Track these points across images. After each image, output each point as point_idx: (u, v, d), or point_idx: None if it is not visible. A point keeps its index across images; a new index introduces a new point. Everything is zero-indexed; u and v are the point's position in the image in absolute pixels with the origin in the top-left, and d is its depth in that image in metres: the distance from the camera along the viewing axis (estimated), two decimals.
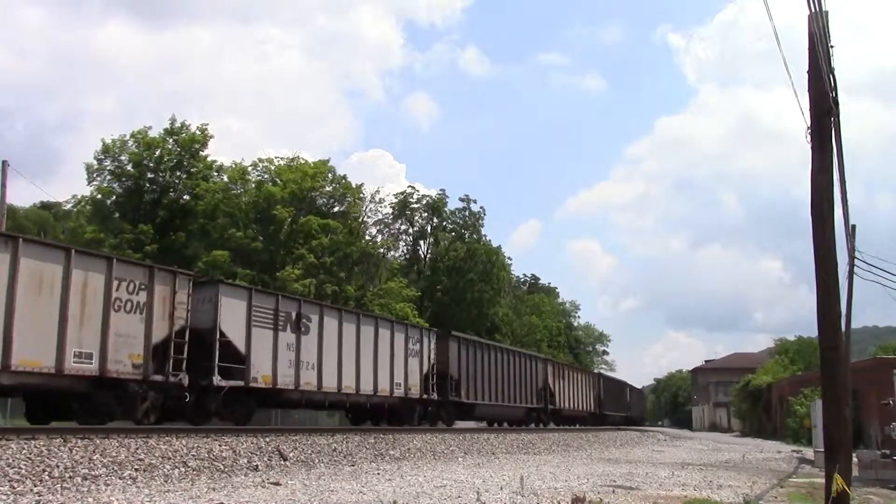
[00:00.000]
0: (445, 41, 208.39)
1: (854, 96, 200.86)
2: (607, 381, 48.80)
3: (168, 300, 15.10)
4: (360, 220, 47.51)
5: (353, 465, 13.60)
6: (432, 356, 24.61)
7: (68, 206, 45.41)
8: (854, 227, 19.83)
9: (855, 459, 15.05)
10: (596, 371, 51.56)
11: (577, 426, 36.17)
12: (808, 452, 24.88)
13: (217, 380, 16.09)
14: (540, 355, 37.16)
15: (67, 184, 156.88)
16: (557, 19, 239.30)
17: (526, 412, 32.12)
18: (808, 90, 8.97)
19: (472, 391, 26.94)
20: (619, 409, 50.34)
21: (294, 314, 18.36)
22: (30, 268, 12.73)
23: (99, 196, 41.87)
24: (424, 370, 23.99)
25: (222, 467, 11.35)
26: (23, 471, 8.99)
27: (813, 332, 41.96)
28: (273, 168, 43.75)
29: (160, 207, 41.52)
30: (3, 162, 26.46)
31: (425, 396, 23.91)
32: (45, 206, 55.39)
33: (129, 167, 41.71)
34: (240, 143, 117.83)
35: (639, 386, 76.60)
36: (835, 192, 9.23)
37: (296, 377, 18.19)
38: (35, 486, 8.59)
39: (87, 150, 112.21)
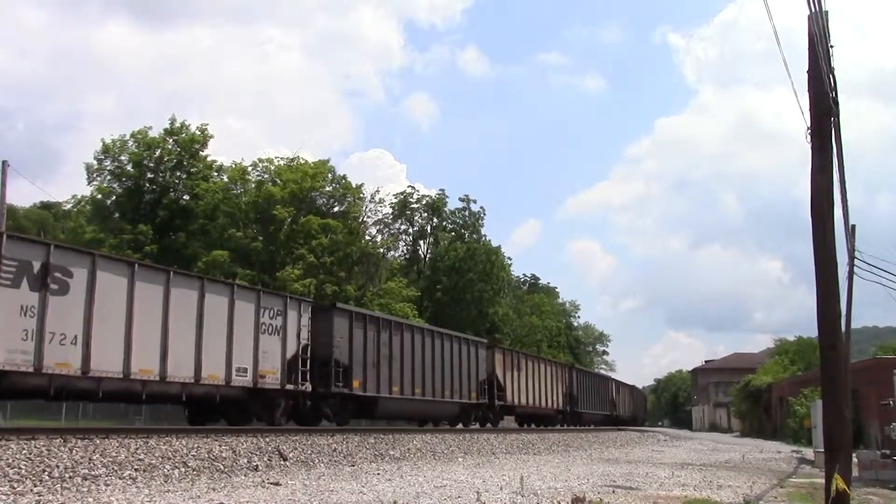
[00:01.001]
0: (445, 41, 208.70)
1: (854, 96, 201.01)
2: (583, 375, 42.35)
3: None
4: (360, 220, 47.52)
5: (353, 465, 13.61)
6: (304, 335, 18.80)
7: (68, 206, 45.51)
8: (854, 227, 19.83)
9: (855, 459, 15.04)
10: (567, 363, 43.29)
11: (543, 427, 32.47)
12: (808, 452, 24.88)
13: None
14: (482, 340, 30.22)
15: (67, 184, 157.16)
16: (557, 19, 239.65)
17: (461, 409, 26.15)
18: (808, 90, 8.97)
19: (371, 381, 20.66)
20: (599, 406, 44.17)
21: (38, 265, 12.94)
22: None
23: (99, 196, 41.94)
24: (290, 352, 18.21)
25: (222, 467, 11.35)
26: (23, 471, 8.99)
27: (813, 332, 42.03)
28: (273, 168, 43.79)
29: (160, 207, 41.56)
30: (3, 162, 26.46)
31: (290, 387, 18.10)
32: (45, 206, 55.43)
33: (129, 167, 41.77)
34: (240, 144, 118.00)
35: (639, 385, 76.51)
36: (835, 192, 9.24)
37: (37, 355, 12.69)
38: (35, 486, 8.59)
39: (87, 150, 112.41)
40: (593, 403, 42.49)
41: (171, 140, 42.40)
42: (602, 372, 60.28)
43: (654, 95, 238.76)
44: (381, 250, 47.97)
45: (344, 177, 45.94)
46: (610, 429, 39.04)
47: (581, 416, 39.06)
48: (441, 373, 24.54)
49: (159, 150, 42.12)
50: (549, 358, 41.53)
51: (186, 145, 42.39)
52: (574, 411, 38.02)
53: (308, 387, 18.74)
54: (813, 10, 8.57)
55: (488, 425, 28.01)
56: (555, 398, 35.13)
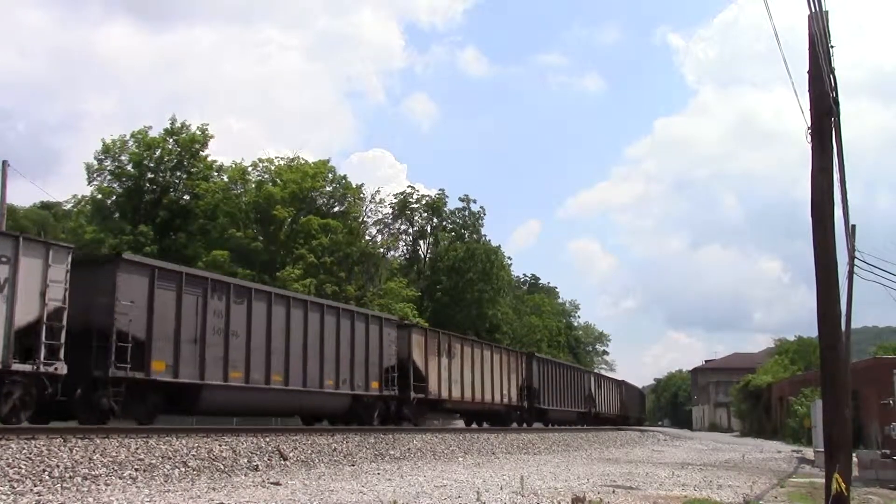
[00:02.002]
0: (445, 42, 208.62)
1: (853, 96, 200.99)
2: (548, 366, 35.27)
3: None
4: (360, 220, 47.51)
5: (353, 465, 13.61)
6: (55, 293, 13.06)
7: (68, 206, 45.50)
8: (854, 227, 19.83)
9: (855, 459, 15.05)
10: (526, 351, 36.38)
11: (496, 426, 27.59)
12: (808, 452, 24.90)
13: None
14: (392, 317, 24.65)
15: (67, 184, 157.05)
16: (556, 20, 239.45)
17: (353, 403, 20.44)
18: (809, 90, 8.98)
19: (189, 364, 15.42)
20: (571, 402, 37.89)
21: None
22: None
23: (99, 196, 41.92)
24: (23, 320, 12.55)
25: (222, 467, 11.35)
26: (23, 471, 8.99)
27: (813, 332, 41.94)
28: (273, 168, 43.77)
29: (160, 207, 41.55)
30: (3, 162, 26.47)
31: (23, 367, 12.53)
32: (45, 206, 55.37)
33: (129, 167, 41.75)
34: (240, 144, 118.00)
35: (639, 385, 76.28)
36: (835, 192, 9.24)
37: None
38: (35, 486, 8.60)
39: (88, 151, 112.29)
40: (563, 399, 36.46)
41: (171, 140, 42.38)
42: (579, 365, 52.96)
43: (653, 96, 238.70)
44: (381, 250, 47.97)
45: (344, 177, 45.94)
46: (610, 429, 39.04)
47: (546, 414, 33.84)
48: (320, 356, 18.84)
49: (159, 150, 42.08)
50: (500, 344, 35.82)
51: (186, 145, 42.37)
52: (534, 407, 32.39)
53: (59, 368, 12.93)
54: (813, 10, 8.57)
55: (404, 424, 22.17)
56: (506, 392, 29.45)
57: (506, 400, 29.61)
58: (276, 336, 17.63)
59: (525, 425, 31.06)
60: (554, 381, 35.31)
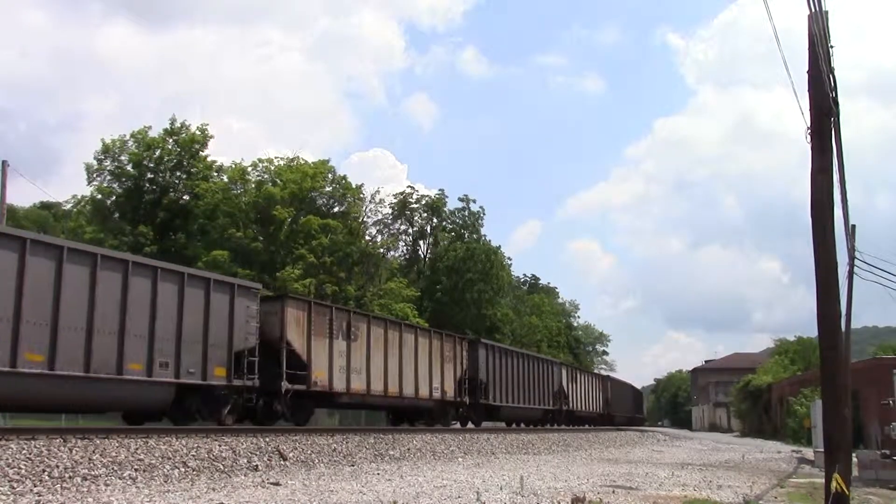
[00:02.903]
0: (446, 43, 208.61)
1: (853, 96, 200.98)
2: (498, 355, 29.18)
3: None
4: (359, 220, 47.52)
5: (353, 465, 13.61)
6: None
7: (68, 207, 45.49)
8: (854, 227, 19.84)
9: (855, 459, 15.05)
10: (468, 337, 29.98)
11: (418, 425, 23.52)
12: (808, 452, 24.90)
13: None
14: (255, 285, 18.17)
15: (67, 184, 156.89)
16: (556, 21, 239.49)
17: (178, 393, 15.38)
18: (808, 91, 8.98)
19: None
20: (532, 398, 32.14)
21: None
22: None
23: (99, 196, 41.90)
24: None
25: (222, 467, 11.35)
26: (23, 471, 8.99)
27: (812, 332, 41.92)
28: (273, 168, 43.77)
29: (160, 208, 41.53)
30: (3, 162, 26.47)
31: None
32: (45, 206, 55.38)
33: (128, 167, 41.74)
34: (240, 144, 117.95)
35: (639, 385, 76.09)
36: (835, 193, 9.24)
37: None
38: (35, 486, 8.59)
39: (88, 151, 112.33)
40: (521, 394, 30.71)
41: (171, 140, 42.38)
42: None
43: (653, 96, 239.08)
44: (381, 250, 47.98)
45: (344, 177, 45.94)
46: (610, 429, 39.03)
47: (498, 412, 28.77)
48: (120, 331, 14.01)
49: (159, 151, 42.07)
50: (427, 327, 28.52)
51: (186, 145, 42.36)
52: (480, 403, 27.04)
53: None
54: (813, 10, 8.57)
55: (278, 422, 18.25)
56: (438, 385, 24.06)
57: (437, 394, 23.94)
58: (37, 300, 12.71)
59: (471, 424, 26.84)
60: (508, 372, 29.63)
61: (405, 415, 24.75)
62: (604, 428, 38.74)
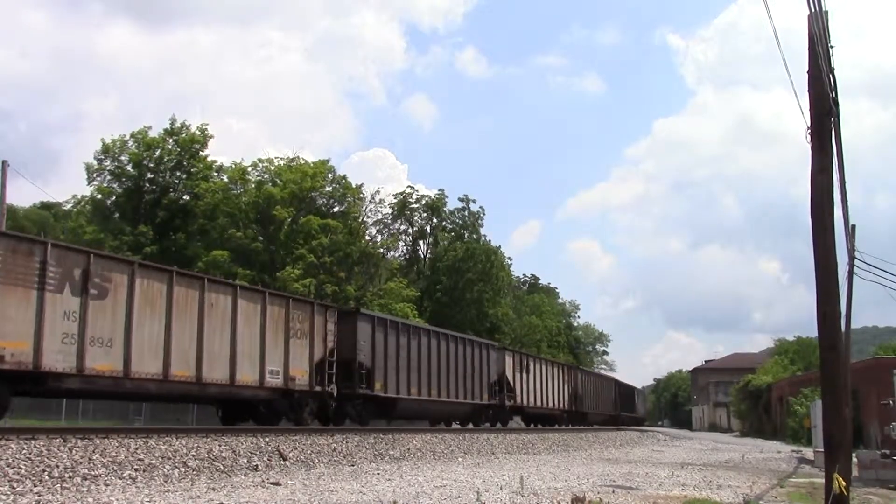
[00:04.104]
0: (446, 44, 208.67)
1: (853, 96, 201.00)
2: (389, 331, 22.24)
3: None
4: (359, 220, 47.54)
5: (353, 465, 13.61)
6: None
7: (68, 207, 45.50)
8: (854, 227, 19.84)
9: (855, 459, 15.07)
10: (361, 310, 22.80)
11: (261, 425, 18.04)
12: (808, 452, 24.90)
13: None
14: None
15: (67, 184, 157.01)
16: (556, 21, 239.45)
17: None
18: (808, 90, 8.98)
19: None
20: (460, 390, 26.07)
21: None
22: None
23: (99, 196, 41.95)
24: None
25: (222, 467, 11.35)
26: (23, 471, 8.99)
27: (813, 332, 41.84)
28: (273, 168, 43.79)
29: (160, 208, 41.56)
30: (3, 162, 26.50)
31: None
32: (45, 206, 55.37)
33: (129, 167, 41.78)
34: (240, 144, 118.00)
35: (639, 385, 75.88)
36: (835, 192, 9.24)
37: None
38: (35, 486, 8.59)
39: (88, 151, 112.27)
40: (433, 385, 24.30)
41: (171, 140, 42.41)
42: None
43: (653, 96, 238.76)
44: (381, 250, 47.98)
45: (344, 177, 45.97)
46: (610, 429, 39.03)
47: (392, 406, 22.46)
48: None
49: (159, 151, 42.11)
50: (261, 289, 19.48)
51: (186, 145, 42.40)
52: (363, 394, 20.67)
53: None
54: (813, 10, 8.57)
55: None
56: (276, 367, 17.69)
57: (275, 381, 17.56)
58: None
59: (349, 422, 20.49)
60: (411, 355, 23.05)
61: (230, 409, 18.69)
62: (604, 428, 38.74)
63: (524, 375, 32.40)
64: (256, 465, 11.95)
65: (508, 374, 30.64)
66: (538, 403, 33.83)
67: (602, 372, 58.73)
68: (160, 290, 15.13)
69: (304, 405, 19.07)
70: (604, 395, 47.21)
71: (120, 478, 9.63)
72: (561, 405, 37.00)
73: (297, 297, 20.50)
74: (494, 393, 29.17)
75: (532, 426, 33.06)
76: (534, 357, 36.28)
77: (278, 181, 42.32)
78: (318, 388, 19.00)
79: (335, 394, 19.56)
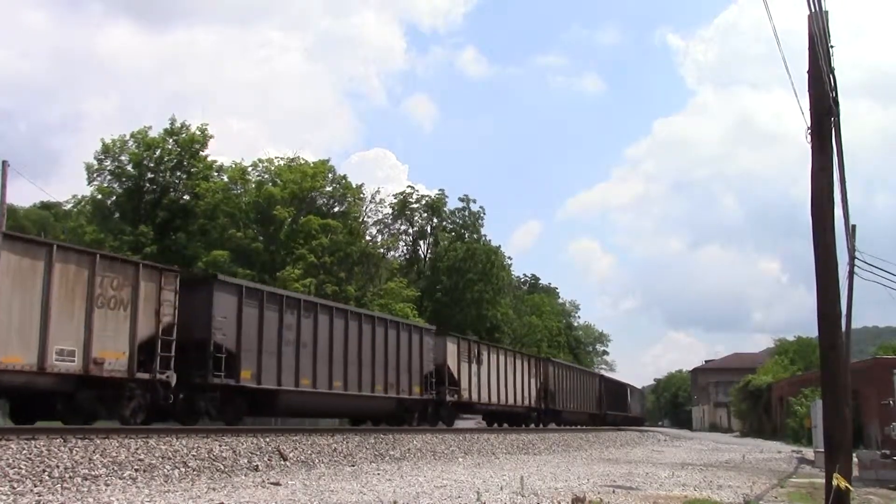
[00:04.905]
0: (446, 44, 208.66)
1: (853, 96, 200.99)
2: (253, 300, 17.45)
3: None
4: (360, 220, 47.53)
5: (354, 466, 13.61)
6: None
7: (68, 207, 45.48)
8: (854, 226, 19.85)
9: (855, 459, 15.05)
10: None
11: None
12: (808, 452, 24.90)
13: None
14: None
15: (67, 184, 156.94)
16: (555, 21, 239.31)
17: None
18: (808, 90, 8.98)
19: None
20: (379, 381, 21.85)
21: None
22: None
23: (99, 196, 41.93)
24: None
25: (222, 467, 11.35)
26: (23, 471, 8.99)
27: (813, 332, 41.95)
28: (273, 168, 43.78)
29: (160, 208, 41.55)
30: (4, 162, 26.47)
31: None
32: (45, 206, 55.38)
33: (129, 167, 41.77)
34: (240, 144, 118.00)
35: (639, 385, 75.81)
36: (835, 192, 9.24)
37: None
38: (35, 486, 8.59)
39: (88, 151, 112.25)
40: (335, 374, 20.01)
41: (171, 140, 42.41)
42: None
43: (652, 96, 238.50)
44: (381, 250, 47.98)
45: (344, 177, 45.95)
46: (610, 429, 39.04)
47: (272, 400, 18.17)
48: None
49: (159, 150, 42.10)
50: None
51: (186, 145, 42.39)
52: (211, 384, 16.21)
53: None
54: (813, 10, 8.57)
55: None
56: (68, 346, 13.31)
57: (70, 365, 13.33)
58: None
59: (207, 420, 16.55)
60: (301, 339, 18.83)
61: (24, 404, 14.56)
62: (604, 428, 38.73)
63: (474, 367, 27.71)
64: (257, 466, 11.95)
65: (451, 363, 26.14)
66: (495, 399, 29.15)
67: (585, 369, 52.85)
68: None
69: (122, 398, 14.34)
70: (584, 392, 42.75)
71: (120, 478, 9.64)
72: (526, 402, 32.47)
73: (111, 255, 15.96)
74: (430, 386, 24.66)
75: (495, 426, 29.56)
76: (489, 345, 31.58)
77: (278, 181, 42.30)
78: (143, 376, 14.46)
79: (173, 383, 15.07)
